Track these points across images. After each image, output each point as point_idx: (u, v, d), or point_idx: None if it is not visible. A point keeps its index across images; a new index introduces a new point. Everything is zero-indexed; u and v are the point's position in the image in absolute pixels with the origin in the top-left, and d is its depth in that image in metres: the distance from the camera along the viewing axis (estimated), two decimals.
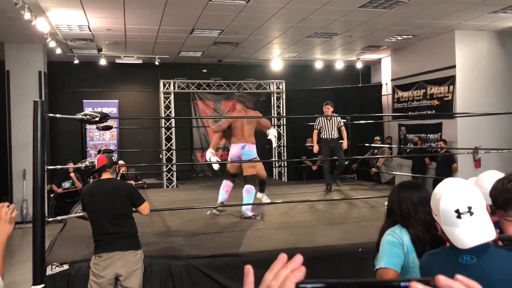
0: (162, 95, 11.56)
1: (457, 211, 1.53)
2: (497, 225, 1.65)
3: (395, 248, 2.16)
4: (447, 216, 1.55)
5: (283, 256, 0.68)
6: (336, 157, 8.33)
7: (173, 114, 11.47)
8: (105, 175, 3.75)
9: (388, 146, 10.80)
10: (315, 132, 8.39)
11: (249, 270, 0.69)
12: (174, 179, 11.40)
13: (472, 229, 1.50)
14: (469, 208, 1.52)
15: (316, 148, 8.29)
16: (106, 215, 3.60)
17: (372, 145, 10.42)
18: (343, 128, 8.39)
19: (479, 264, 1.50)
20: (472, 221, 1.51)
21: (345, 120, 8.54)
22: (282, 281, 0.65)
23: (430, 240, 2.14)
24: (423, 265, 1.74)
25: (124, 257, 3.57)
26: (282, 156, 12.51)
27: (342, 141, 8.34)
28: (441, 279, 0.60)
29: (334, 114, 8.31)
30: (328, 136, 8.28)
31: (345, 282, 0.62)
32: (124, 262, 3.57)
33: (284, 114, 12.41)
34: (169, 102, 11.51)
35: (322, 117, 8.26)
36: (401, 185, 2.40)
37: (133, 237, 3.70)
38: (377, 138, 10.82)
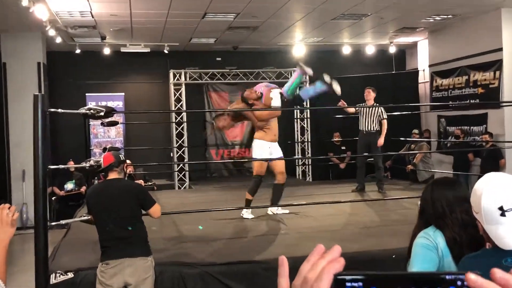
0: (172, 87, 11.68)
1: (500, 208, 1.54)
2: None
3: (429, 251, 2.19)
4: (489, 214, 1.56)
5: (320, 247, 0.71)
6: (368, 154, 8.23)
7: (184, 108, 11.57)
8: (112, 175, 3.85)
9: (426, 140, 10.72)
10: (352, 109, 8.21)
11: (283, 260, 0.72)
12: (187, 179, 11.52)
13: None
14: None
15: (349, 109, 8.10)
16: (114, 218, 3.70)
17: (408, 139, 10.35)
18: (384, 121, 8.11)
19: None
20: None
21: (385, 115, 8.17)
22: (319, 272, 0.67)
23: (468, 242, 2.16)
24: (462, 268, 1.77)
25: (133, 264, 3.66)
26: (306, 153, 12.53)
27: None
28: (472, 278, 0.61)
29: (376, 104, 8.09)
30: (365, 128, 8.12)
31: (387, 274, 0.64)
32: (134, 270, 3.65)
33: (308, 106, 12.40)
34: (180, 94, 11.62)
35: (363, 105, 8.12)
36: (435, 182, 2.42)
37: (143, 242, 3.79)
38: (415, 131, 10.74)
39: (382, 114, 8.15)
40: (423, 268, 2.16)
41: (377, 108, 8.10)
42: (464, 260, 1.79)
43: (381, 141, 8.05)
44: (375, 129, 8.12)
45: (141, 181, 9.33)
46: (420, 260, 2.19)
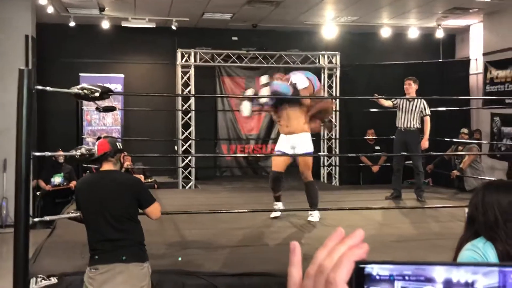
0: (179, 69, 11.70)
1: None
2: None
3: None
4: None
5: (340, 231, 0.70)
6: (406, 154, 8.15)
7: (193, 93, 11.59)
8: (106, 166, 3.86)
9: (476, 142, 10.59)
10: (389, 102, 8.23)
11: (295, 246, 0.72)
12: (193, 177, 11.54)
13: None
14: None
15: (384, 101, 8.11)
16: (106, 216, 3.71)
17: (455, 140, 10.23)
18: (427, 119, 8.01)
19: None
20: None
21: (429, 112, 8.08)
22: (338, 259, 0.66)
23: None
24: None
25: (126, 270, 3.66)
26: (333, 151, 12.47)
27: (422, 135, 8.10)
28: None
29: (418, 96, 8.03)
30: (404, 125, 8.06)
31: (423, 263, 0.62)
32: (127, 277, 3.66)
33: (338, 96, 12.35)
34: (189, 78, 11.64)
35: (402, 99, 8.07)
36: (487, 186, 2.38)
37: (139, 245, 3.80)
38: (464, 130, 10.56)
39: (425, 110, 8.05)
40: None
41: (419, 102, 8.01)
42: None
43: (425, 142, 7.95)
44: (415, 126, 8.05)
45: (141, 176, 9.38)
46: None
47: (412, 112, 8.03)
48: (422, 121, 8.10)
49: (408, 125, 8.04)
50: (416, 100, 7.99)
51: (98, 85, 4.56)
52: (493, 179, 9.50)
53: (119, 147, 3.93)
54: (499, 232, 2.20)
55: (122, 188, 3.78)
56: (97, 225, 3.74)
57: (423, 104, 8.03)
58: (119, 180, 3.84)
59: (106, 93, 4.42)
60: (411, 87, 7.99)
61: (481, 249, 2.21)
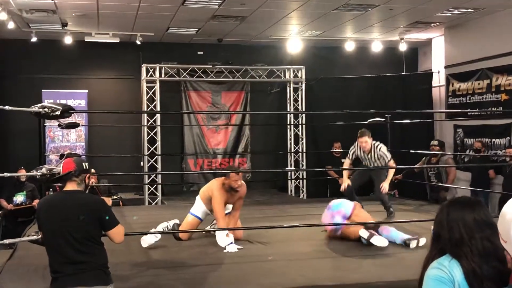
0: (144, 84, 11.62)
1: None
2: None
3: (443, 285, 2.15)
4: None
5: None
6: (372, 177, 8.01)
7: (158, 109, 11.51)
8: (70, 186, 3.75)
9: (441, 154, 10.71)
10: (347, 162, 8.03)
11: None
12: (159, 193, 11.43)
13: None
14: None
15: (344, 186, 7.85)
16: (67, 238, 3.60)
17: (420, 151, 10.32)
18: (391, 164, 7.79)
19: None
20: None
21: (389, 156, 7.84)
22: None
23: (492, 275, 2.12)
24: None
25: None
26: (300, 165, 12.50)
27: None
28: None
29: (375, 143, 7.84)
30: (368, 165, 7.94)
31: None
32: None
33: (304, 110, 12.41)
34: (154, 93, 11.57)
35: (358, 148, 7.90)
36: (451, 203, 2.38)
37: (102, 268, 3.71)
38: (435, 142, 10.62)
39: (386, 157, 7.84)
40: None
41: (377, 150, 7.79)
42: None
43: (385, 186, 7.70)
44: (380, 165, 7.87)
45: (109, 199, 9.18)
46: None
47: (374, 162, 7.88)
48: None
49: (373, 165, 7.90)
50: (373, 151, 7.81)
51: (59, 103, 4.48)
52: (459, 187, 9.64)
53: (84, 167, 3.83)
54: (465, 249, 2.20)
55: (85, 209, 3.69)
56: (58, 247, 3.64)
57: (382, 152, 7.83)
58: (82, 201, 3.74)
59: (67, 111, 4.34)
60: (368, 144, 7.75)
61: (447, 267, 2.20)
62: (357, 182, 8.09)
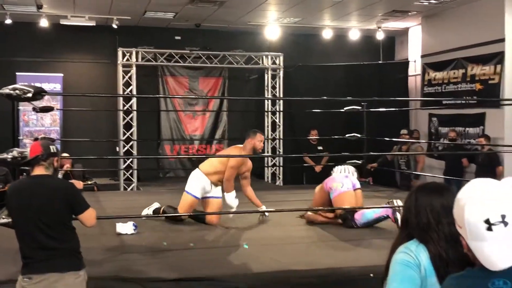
0: (120, 68, 11.50)
1: (487, 221, 1.54)
2: None
3: (409, 270, 2.16)
4: (474, 228, 1.56)
5: None
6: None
7: (134, 93, 11.41)
8: (38, 170, 3.68)
9: (415, 141, 10.84)
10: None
11: None
12: (135, 179, 11.37)
13: (506, 245, 1.52)
14: (503, 216, 1.53)
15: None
16: (37, 223, 3.55)
17: (394, 139, 10.43)
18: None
19: None
20: (507, 234, 1.52)
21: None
22: None
23: (457, 260, 2.14)
24: None
25: (62, 280, 3.53)
26: (277, 151, 12.52)
27: None
28: None
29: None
30: None
31: None
32: (63, 287, 3.55)
33: (281, 97, 12.41)
34: (130, 77, 11.45)
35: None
36: (419, 188, 2.40)
37: (74, 253, 3.66)
38: (404, 131, 10.80)
39: None
40: None
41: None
42: (447, 282, 1.78)
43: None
44: None
45: (80, 183, 9.07)
46: (399, 280, 2.15)
47: None
48: None
49: None
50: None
51: (31, 85, 4.40)
52: (432, 175, 9.75)
53: (52, 150, 3.75)
54: (432, 234, 2.22)
55: (54, 193, 3.62)
56: (29, 233, 3.59)
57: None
58: (51, 185, 3.68)
59: (39, 93, 4.27)
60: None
61: (414, 251, 2.21)
62: None
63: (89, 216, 3.74)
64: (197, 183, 6.51)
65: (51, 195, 3.61)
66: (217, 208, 6.52)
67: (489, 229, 1.53)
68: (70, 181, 4.54)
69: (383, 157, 10.67)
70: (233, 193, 6.45)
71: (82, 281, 3.64)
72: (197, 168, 6.66)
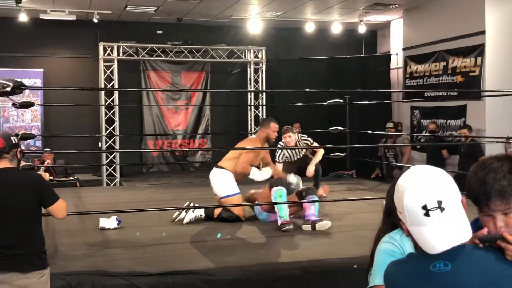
0: (102, 63, 11.41)
1: (424, 207, 1.57)
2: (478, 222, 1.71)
3: (393, 259, 2.15)
4: (413, 214, 1.59)
5: None
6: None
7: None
8: (3, 164, 3.53)
9: (397, 134, 10.88)
10: (277, 166, 7.48)
11: None
12: (117, 174, 11.30)
13: (443, 228, 1.55)
14: (439, 202, 1.56)
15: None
16: (1, 221, 3.47)
17: (382, 133, 10.46)
18: (318, 151, 7.69)
19: (454, 271, 1.56)
20: (443, 218, 1.56)
21: (311, 140, 7.78)
22: None
23: None
24: (387, 278, 1.79)
25: (25, 279, 3.43)
26: None
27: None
28: None
29: (299, 136, 7.70)
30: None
31: None
32: (26, 287, 3.44)
33: (263, 89, 12.41)
34: (112, 72, 11.37)
35: (285, 148, 7.61)
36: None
37: (38, 252, 3.52)
38: (390, 125, 10.83)
39: (311, 144, 7.69)
40: None
41: (301, 144, 7.61)
42: (388, 268, 1.81)
43: (309, 169, 7.52)
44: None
45: (45, 174, 8.93)
46: (383, 269, 2.15)
47: (302, 158, 7.70)
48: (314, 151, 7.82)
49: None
50: (298, 143, 7.57)
51: (9, 79, 4.32)
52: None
53: (14, 141, 3.61)
54: None
55: (21, 186, 3.52)
56: None
57: (307, 142, 7.69)
58: (17, 178, 3.57)
59: (18, 87, 4.20)
60: (292, 139, 7.43)
61: (398, 240, 2.22)
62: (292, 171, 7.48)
63: (60, 207, 3.65)
64: (228, 181, 6.44)
65: (17, 188, 3.50)
66: (238, 202, 6.43)
67: (427, 214, 1.56)
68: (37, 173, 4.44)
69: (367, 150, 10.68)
70: (255, 169, 6.49)
71: (46, 280, 3.53)
72: (218, 168, 6.51)
